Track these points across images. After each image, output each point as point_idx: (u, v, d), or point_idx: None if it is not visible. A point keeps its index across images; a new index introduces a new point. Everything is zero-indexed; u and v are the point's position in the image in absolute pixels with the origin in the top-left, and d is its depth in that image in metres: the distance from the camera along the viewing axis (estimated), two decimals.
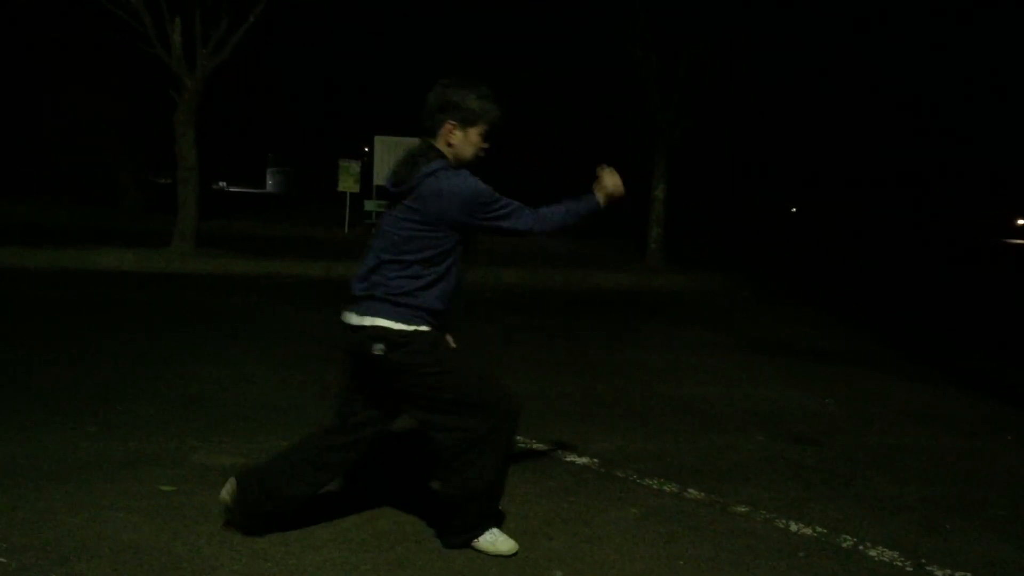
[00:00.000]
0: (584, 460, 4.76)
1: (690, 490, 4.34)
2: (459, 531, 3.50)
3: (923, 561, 3.67)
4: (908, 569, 3.59)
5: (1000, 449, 5.56)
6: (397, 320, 3.30)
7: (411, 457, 4.63)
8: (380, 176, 21.49)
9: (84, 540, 3.36)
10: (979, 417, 6.43)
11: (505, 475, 3.50)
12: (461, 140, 3.39)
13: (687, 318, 10.98)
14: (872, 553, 3.71)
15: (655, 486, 4.38)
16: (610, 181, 3.50)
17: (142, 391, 5.65)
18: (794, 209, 48.85)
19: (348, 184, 21.32)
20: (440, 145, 3.40)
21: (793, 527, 3.94)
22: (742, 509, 4.12)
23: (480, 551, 3.48)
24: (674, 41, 16.04)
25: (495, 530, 3.54)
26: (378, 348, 3.29)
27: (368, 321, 3.32)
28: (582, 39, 18.06)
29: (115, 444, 4.53)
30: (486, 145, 3.46)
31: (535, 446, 4.95)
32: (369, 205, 21.58)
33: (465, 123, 3.38)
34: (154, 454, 4.42)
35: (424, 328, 3.33)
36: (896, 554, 3.72)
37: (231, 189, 48.68)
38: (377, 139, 21.79)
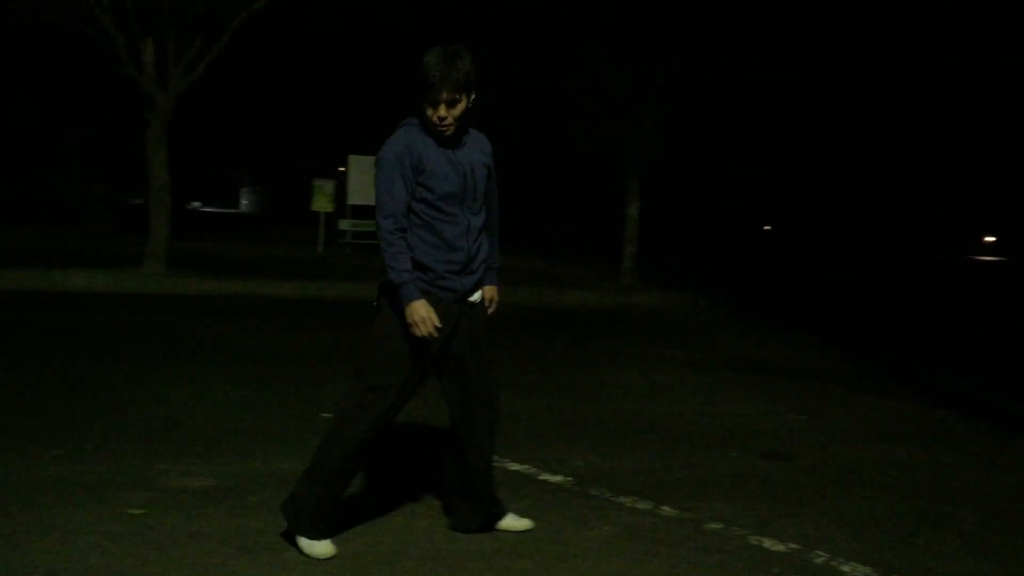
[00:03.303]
0: (558, 479, 4.76)
1: (664, 507, 4.34)
2: (287, 515, 3.56)
3: None
4: None
5: (965, 462, 5.61)
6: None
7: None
8: (355, 195, 21.48)
9: (53, 565, 3.31)
10: (945, 431, 6.49)
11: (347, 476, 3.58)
12: (425, 110, 3.43)
13: (660, 336, 11.02)
14: (845, 569, 3.73)
15: (629, 504, 4.38)
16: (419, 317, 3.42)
17: (110, 414, 5.59)
18: (768, 227, 49.20)
19: (322, 204, 21.28)
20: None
21: (767, 543, 3.95)
22: (716, 526, 4.13)
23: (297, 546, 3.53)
24: (648, 58, 16.13)
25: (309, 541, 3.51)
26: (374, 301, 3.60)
27: None
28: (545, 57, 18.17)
29: (83, 468, 4.47)
30: (442, 114, 3.39)
31: (509, 466, 4.94)
32: (344, 225, 21.49)
33: (422, 93, 3.39)
34: (122, 478, 4.36)
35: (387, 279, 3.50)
36: (870, 570, 3.74)
37: (205, 209, 48.46)
38: (351, 158, 21.77)
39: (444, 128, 3.44)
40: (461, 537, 3.83)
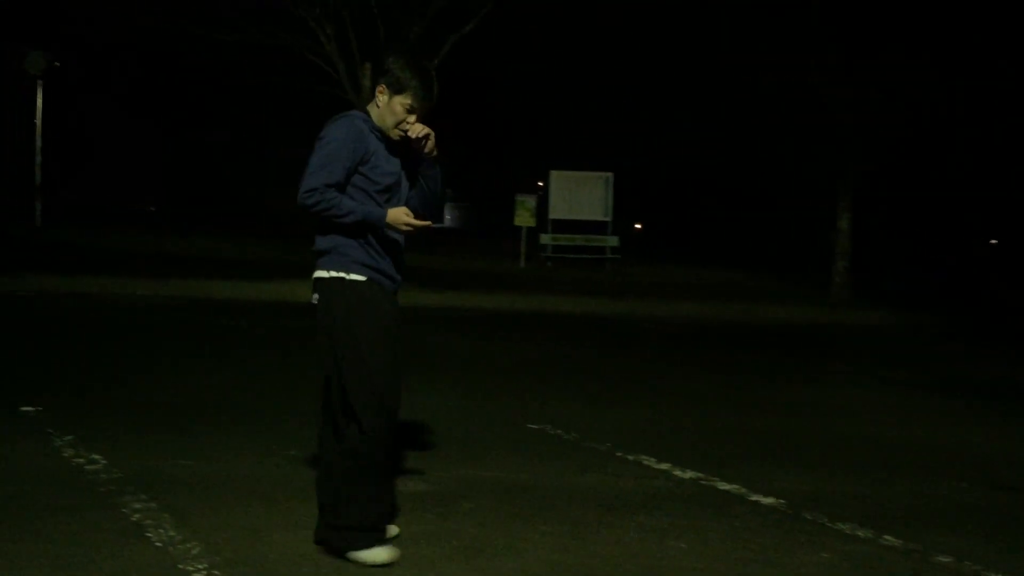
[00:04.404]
0: (770, 500, 4.63)
1: (886, 536, 4.13)
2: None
3: None
4: None
5: None
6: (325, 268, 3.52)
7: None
8: (555, 210, 21.82)
9: (290, 556, 3.55)
10: None
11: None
12: (384, 104, 3.46)
13: (877, 356, 10.50)
14: None
15: (848, 530, 4.20)
16: (402, 214, 3.42)
17: None
18: (994, 241, 45.67)
19: (524, 219, 21.71)
20: (370, 106, 3.53)
21: None
22: (945, 559, 3.89)
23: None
24: (862, 68, 15.46)
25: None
26: (313, 298, 3.55)
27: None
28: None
29: (312, 468, 4.77)
30: (411, 120, 3.46)
31: (718, 485, 4.85)
32: (545, 239, 21.87)
33: (392, 89, 3.44)
34: None
35: (345, 275, 3.46)
36: None
37: None
38: (553, 174, 22.12)
39: (403, 130, 3.50)
40: (671, 554, 3.80)
